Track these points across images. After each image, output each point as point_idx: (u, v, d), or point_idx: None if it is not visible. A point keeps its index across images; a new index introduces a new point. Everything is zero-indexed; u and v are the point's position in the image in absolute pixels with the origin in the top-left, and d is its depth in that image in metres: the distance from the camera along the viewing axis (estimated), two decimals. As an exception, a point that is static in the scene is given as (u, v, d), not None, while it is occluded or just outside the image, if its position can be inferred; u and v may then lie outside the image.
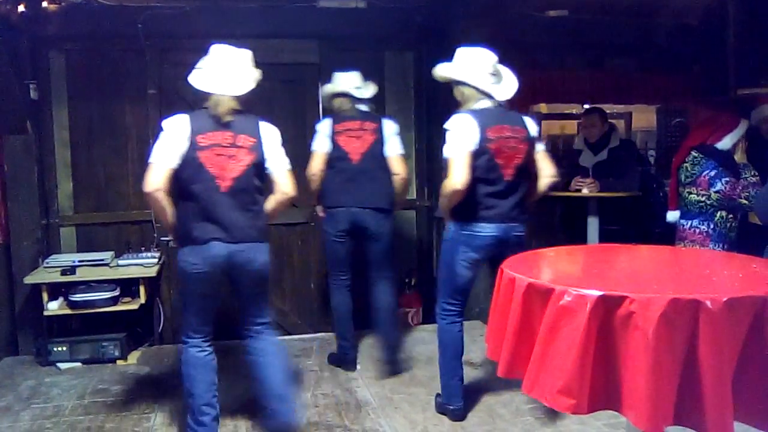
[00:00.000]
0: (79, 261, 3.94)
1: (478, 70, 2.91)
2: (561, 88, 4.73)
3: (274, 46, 4.29)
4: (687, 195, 3.46)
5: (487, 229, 2.92)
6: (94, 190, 4.29)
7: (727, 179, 3.31)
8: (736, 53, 4.49)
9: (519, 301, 1.78)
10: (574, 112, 6.19)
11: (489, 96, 2.93)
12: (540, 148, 3.05)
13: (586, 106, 4.97)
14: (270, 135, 2.72)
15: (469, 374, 3.65)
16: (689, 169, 3.44)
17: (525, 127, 2.99)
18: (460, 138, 2.84)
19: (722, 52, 4.55)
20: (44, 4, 3.87)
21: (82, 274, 3.85)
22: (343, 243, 3.61)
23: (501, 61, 2.90)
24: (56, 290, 3.89)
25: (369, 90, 3.68)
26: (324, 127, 3.60)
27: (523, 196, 3.01)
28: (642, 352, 1.54)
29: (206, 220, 2.57)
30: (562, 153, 6.14)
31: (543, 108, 6.12)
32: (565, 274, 2.14)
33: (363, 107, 3.64)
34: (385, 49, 4.47)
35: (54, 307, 3.85)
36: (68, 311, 3.86)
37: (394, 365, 3.72)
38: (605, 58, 4.88)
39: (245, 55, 2.66)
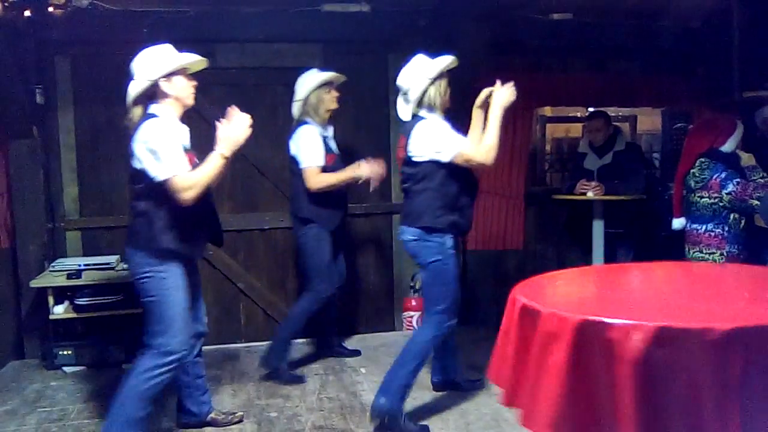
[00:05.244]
0: (85, 265, 3.95)
1: None
2: (565, 91, 4.73)
3: (278, 50, 4.30)
4: (698, 200, 3.45)
5: None
6: (100, 194, 4.30)
7: (738, 180, 3.31)
8: (741, 56, 4.48)
9: (516, 324, 1.69)
10: (578, 115, 6.17)
11: None
12: None
13: (591, 110, 4.97)
14: (140, 137, 2.54)
15: (475, 377, 3.64)
16: (698, 174, 3.43)
17: None
18: None
19: (727, 55, 4.53)
20: (50, 9, 3.88)
21: (88, 278, 3.86)
22: None
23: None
24: (62, 294, 3.90)
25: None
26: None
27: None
28: (625, 384, 1.38)
29: None
30: (566, 156, 6.14)
31: (547, 111, 6.12)
32: (563, 296, 1.96)
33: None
34: (389, 53, 4.47)
35: (60, 310, 3.86)
36: (74, 315, 3.87)
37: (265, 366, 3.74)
38: (609, 61, 4.87)
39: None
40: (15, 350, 4.15)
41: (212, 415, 3.07)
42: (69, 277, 3.83)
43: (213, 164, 2.53)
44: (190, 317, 2.70)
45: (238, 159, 4.29)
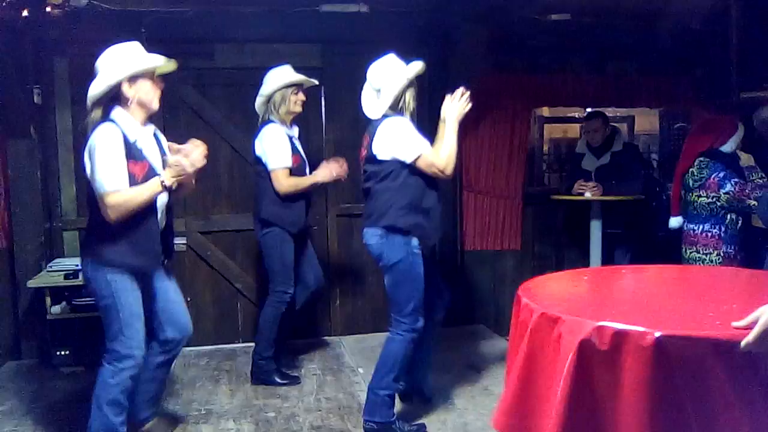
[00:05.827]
0: (83, 265, 3.95)
1: None
2: (563, 91, 4.73)
3: (276, 51, 4.28)
4: (696, 199, 3.45)
5: None
6: (98, 194, 4.29)
7: (736, 180, 3.32)
8: (739, 56, 4.49)
9: (515, 313, 1.75)
10: (576, 115, 6.19)
11: None
12: None
13: (589, 110, 4.98)
14: (89, 143, 2.39)
15: (473, 377, 3.65)
16: (696, 173, 3.44)
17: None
18: None
19: (725, 55, 4.54)
20: (48, 9, 3.88)
21: (85, 278, 3.85)
22: None
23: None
24: (59, 294, 3.89)
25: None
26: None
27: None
28: (559, 381, 1.39)
29: None
30: (564, 157, 6.16)
31: (545, 111, 6.13)
32: (551, 292, 1.93)
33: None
34: (388, 53, 4.46)
35: (57, 310, 3.86)
36: (71, 315, 3.86)
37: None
38: (608, 62, 4.87)
39: None
40: (12, 350, 4.14)
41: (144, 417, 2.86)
42: (66, 277, 3.81)
43: (147, 189, 2.39)
44: (144, 320, 2.60)
45: (236, 159, 4.33)
